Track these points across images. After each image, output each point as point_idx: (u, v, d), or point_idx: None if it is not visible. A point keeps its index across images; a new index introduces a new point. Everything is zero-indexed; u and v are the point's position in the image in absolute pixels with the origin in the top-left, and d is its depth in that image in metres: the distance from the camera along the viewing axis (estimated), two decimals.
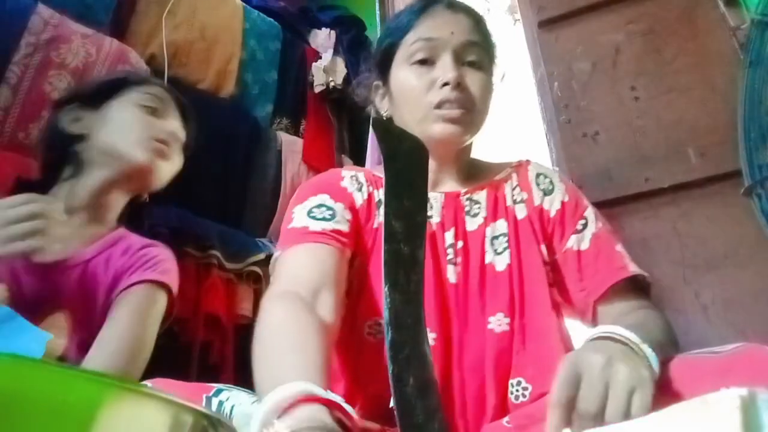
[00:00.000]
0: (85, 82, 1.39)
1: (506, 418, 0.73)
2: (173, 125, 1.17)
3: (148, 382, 0.61)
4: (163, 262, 1.09)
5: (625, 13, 1.54)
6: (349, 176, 0.90)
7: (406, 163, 0.49)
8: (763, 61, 1.25)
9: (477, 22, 0.94)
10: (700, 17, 1.44)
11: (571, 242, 0.86)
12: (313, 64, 2.20)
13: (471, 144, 0.97)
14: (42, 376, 0.31)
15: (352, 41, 2.33)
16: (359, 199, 0.87)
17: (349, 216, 0.84)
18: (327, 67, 2.18)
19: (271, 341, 0.63)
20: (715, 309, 1.24)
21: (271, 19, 2.16)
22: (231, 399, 0.60)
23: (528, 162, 0.97)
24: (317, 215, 0.81)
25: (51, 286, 0.98)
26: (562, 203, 0.89)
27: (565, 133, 1.51)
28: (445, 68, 0.86)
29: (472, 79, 0.88)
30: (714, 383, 0.58)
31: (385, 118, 0.95)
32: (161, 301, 1.05)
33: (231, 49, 1.94)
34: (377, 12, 2.09)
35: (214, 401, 0.60)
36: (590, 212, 0.90)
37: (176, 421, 0.35)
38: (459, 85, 0.86)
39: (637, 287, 0.84)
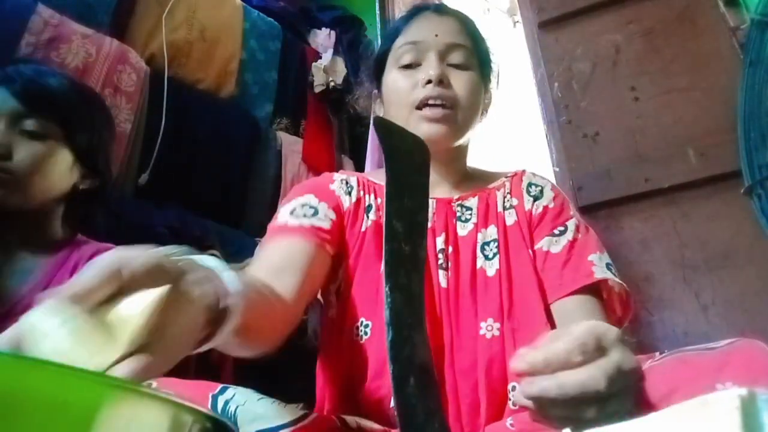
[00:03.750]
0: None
1: (509, 420, 0.73)
2: None
3: (153, 381, 0.61)
4: None
5: (625, 13, 1.54)
6: (339, 179, 0.92)
7: (407, 162, 0.49)
8: (763, 61, 1.25)
9: (464, 24, 0.96)
10: (700, 17, 1.45)
11: (543, 243, 0.86)
12: (313, 64, 2.20)
13: (465, 150, 0.97)
14: (42, 376, 0.31)
15: (352, 41, 2.33)
16: (347, 202, 0.89)
17: (332, 216, 0.85)
18: (327, 67, 2.18)
19: None
20: (715, 309, 1.24)
21: (271, 19, 2.16)
22: (236, 397, 0.59)
23: (524, 172, 0.97)
24: (298, 213, 0.83)
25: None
26: (545, 208, 0.90)
27: (566, 134, 1.51)
28: (428, 67, 0.88)
29: (457, 78, 0.89)
30: (709, 379, 0.58)
31: None
32: None
33: (231, 49, 1.94)
34: (377, 12, 2.09)
35: (220, 399, 0.59)
36: (572, 223, 0.88)
37: (176, 421, 0.35)
38: (441, 82, 0.87)
39: (600, 296, 0.83)
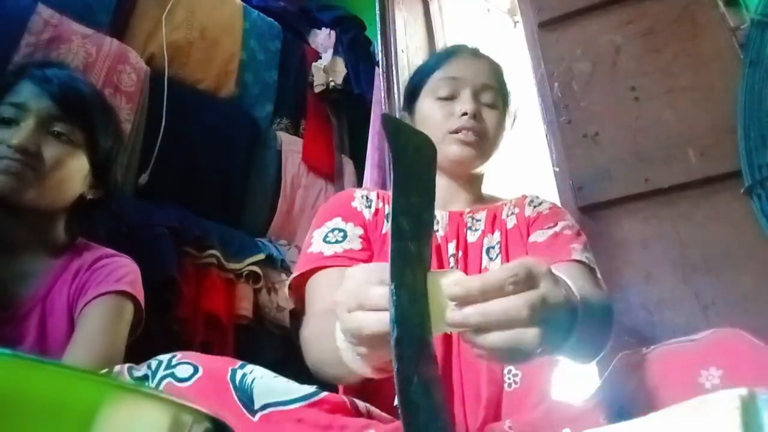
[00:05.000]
0: None
1: (508, 423, 0.75)
2: (21, 136, 0.97)
3: (178, 353, 0.63)
4: (120, 269, 1.04)
5: (625, 13, 1.54)
6: (360, 196, 1.01)
7: (414, 160, 0.49)
8: (763, 61, 1.25)
9: (496, 70, 1.09)
10: (700, 17, 1.45)
11: (533, 237, 0.96)
12: (313, 64, 2.21)
13: (481, 176, 1.08)
14: (42, 376, 0.31)
15: (352, 41, 2.34)
16: (368, 215, 0.98)
17: (360, 231, 0.94)
18: (327, 67, 2.18)
19: (318, 338, 0.71)
20: (715, 309, 1.24)
21: (271, 19, 2.16)
22: (254, 372, 0.63)
23: (526, 196, 1.07)
24: (331, 239, 0.91)
25: (15, 334, 0.94)
26: (539, 213, 0.99)
27: (566, 134, 1.51)
28: (465, 101, 1.00)
29: (487, 115, 1.02)
30: (695, 368, 0.61)
31: None
32: (127, 309, 1.01)
33: (231, 49, 1.94)
34: (377, 12, 2.09)
35: (239, 372, 0.62)
36: (564, 223, 0.96)
37: (176, 421, 0.35)
38: (475, 116, 0.99)
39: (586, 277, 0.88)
